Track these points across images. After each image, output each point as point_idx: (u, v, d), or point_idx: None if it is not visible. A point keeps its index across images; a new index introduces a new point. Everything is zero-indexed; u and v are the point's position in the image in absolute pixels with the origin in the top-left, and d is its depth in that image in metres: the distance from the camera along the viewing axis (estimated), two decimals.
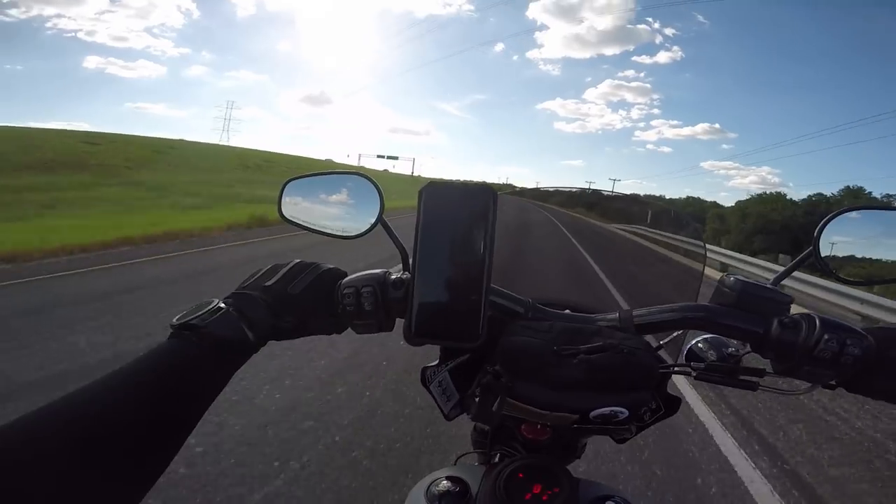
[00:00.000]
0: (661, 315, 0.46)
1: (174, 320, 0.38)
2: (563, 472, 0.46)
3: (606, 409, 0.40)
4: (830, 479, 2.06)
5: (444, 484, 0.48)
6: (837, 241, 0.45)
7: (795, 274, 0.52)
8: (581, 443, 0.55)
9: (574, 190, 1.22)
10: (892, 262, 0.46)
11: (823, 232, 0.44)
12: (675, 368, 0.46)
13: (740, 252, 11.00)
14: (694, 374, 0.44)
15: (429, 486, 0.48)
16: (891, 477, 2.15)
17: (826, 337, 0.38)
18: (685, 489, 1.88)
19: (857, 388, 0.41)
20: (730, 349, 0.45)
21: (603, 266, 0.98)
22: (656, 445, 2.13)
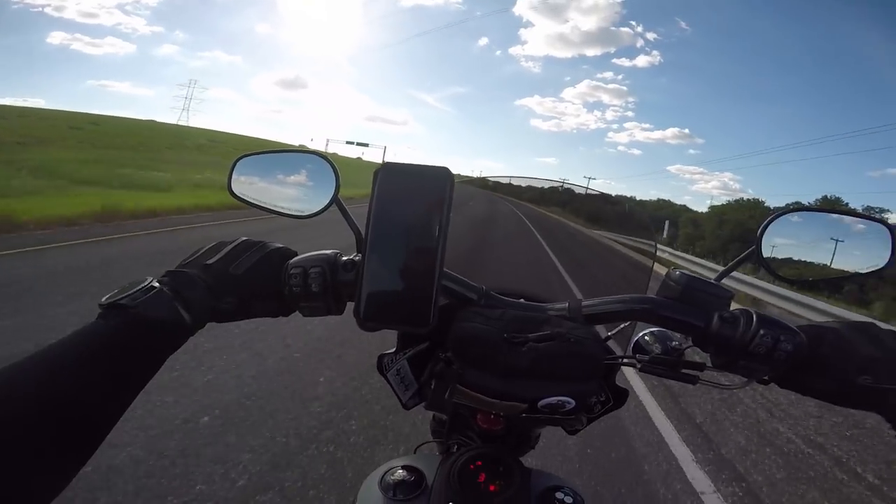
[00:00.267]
0: (609, 306, 0.47)
1: (103, 300, 0.36)
2: (516, 462, 0.46)
3: (554, 399, 0.40)
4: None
5: (400, 473, 0.48)
6: (778, 242, 0.47)
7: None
8: (534, 433, 0.56)
9: (545, 188, 1.21)
10: (824, 264, 0.48)
11: (766, 232, 0.46)
12: (622, 360, 0.46)
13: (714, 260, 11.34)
14: (639, 366, 0.45)
15: (384, 475, 0.48)
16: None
17: (761, 332, 0.39)
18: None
19: (788, 383, 0.42)
20: (674, 343, 0.46)
21: (563, 259, 0.99)
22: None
